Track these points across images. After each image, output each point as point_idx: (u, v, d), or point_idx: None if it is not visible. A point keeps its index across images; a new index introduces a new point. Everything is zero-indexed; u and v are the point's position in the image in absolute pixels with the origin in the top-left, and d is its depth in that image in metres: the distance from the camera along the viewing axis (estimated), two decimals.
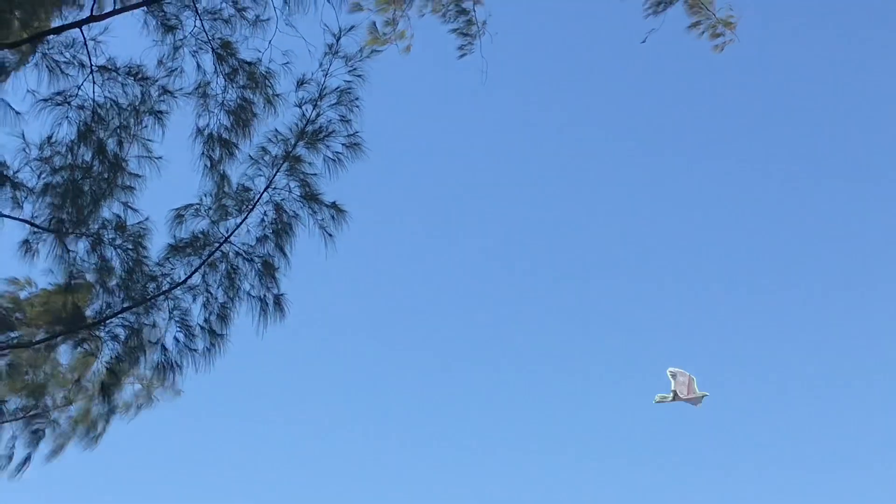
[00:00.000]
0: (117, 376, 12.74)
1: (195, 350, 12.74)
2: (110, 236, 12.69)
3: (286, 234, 12.83)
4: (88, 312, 12.68)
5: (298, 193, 12.86)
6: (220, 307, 12.78)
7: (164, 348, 12.71)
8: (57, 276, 12.65)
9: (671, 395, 24.31)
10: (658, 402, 24.39)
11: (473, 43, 13.31)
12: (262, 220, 12.83)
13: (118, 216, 12.58)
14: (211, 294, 12.77)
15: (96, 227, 12.66)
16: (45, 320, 12.80)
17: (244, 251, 12.81)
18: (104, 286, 12.63)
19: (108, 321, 12.59)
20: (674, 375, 24.28)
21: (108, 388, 12.81)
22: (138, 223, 12.74)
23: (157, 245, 12.68)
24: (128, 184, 12.47)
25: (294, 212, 12.85)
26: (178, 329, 12.74)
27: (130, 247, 12.71)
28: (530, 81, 44.29)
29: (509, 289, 45.38)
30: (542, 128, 45.81)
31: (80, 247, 12.62)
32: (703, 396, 24.45)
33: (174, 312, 12.73)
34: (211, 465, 39.15)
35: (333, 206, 12.88)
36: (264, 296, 12.83)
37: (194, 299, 12.76)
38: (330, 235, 12.85)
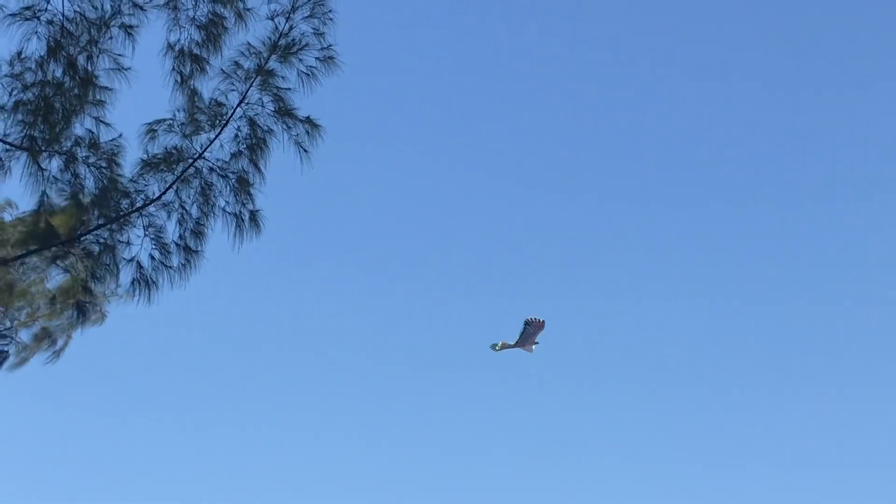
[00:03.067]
0: (92, 293, 12.68)
1: (170, 267, 12.68)
2: (84, 154, 12.56)
3: (261, 149, 12.70)
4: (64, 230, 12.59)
5: (272, 108, 12.70)
6: (194, 223, 12.70)
7: (139, 265, 12.65)
8: (31, 195, 12.55)
9: (505, 343, 24.92)
10: (499, 349, 24.91)
11: None
12: (236, 135, 12.69)
13: (91, 132, 12.43)
14: (185, 210, 12.68)
15: (69, 144, 12.52)
16: (21, 238, 12.72)
17: (218, 167, 12.69)
18: (79, 204, 12.53)
19: (82, 238, 12.52)
20: (534, 323, 24.77)
21: (83, 306, 12.76)
22: (111, 140, 12.60)
23: (130, 159, 12.58)
24: (99, 98, 12.29)
25: (268, 127, 12.70)
26: (153, 246, 12.67)
27: (104, 164, 12.59)
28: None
29: (492, 203, 45.65)
30: (518, 47, 45.78)
31: (54, 165, 12.50)
32: (534, 344, 24.86)
33: (149, 229, 12.66)
34: (182, 381, 39.53)
35: (308, 120, 12.72)
36: (239, 212, 12.75)
37: (169, 216, 12.68)
38: (305, 151, 12.72)
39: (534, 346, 24.82)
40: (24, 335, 12.86)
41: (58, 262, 12.61)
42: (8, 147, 12.34)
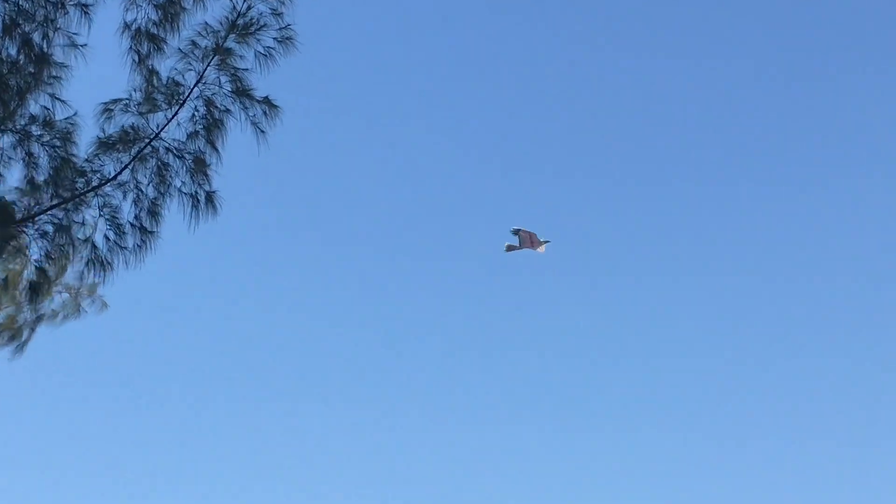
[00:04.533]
0: (46, 275, 12.51)
1: (125, 247, 12.55)
2: (38, 132, 12.42)
3: (218, 129, 12.60)
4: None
5: (230, 88, 12.61)
6: (150, 204, 12.58)
7: (93, 246, 12.50)
8: None
9: (517, 244, 26.70)
10: (507, 251, 26.65)
11: None
12: (193, 115, 12.59)
13: (46, 109, 12.29)
14: (141, 191, 12.56)
15: (23, 122, 12.37)
16: None
17: (175, 147, 12.58)
18: (31, 183, 12.38)
19: (36, 218, 12.36)
20: (517, 232, 26.55)
21: (37, 288, 12.59)
22: (66, 119, 12.47)
23: (85, 139, 12.44)
24: (55, 74, 12.16)
25: (225, 107, 12.61)
26: (108, 226, 12.53)
27: (59, 143, 12.45)
28: None
29: (455, 181, 45.88)
30: (476, 32, 46.11)
31: (6, 142, 12.34)
32: (545, 243, 26.61)
33: (104, 209, 12.52)
34: (143, 362, 39.25)
35: (266, 101, 12.65)
36: (196, 192, 12.64)
37: (124, 196, 12.55)
38: (262, 132, 12.64)
39: (543, 247, 26.26)
40: None
41: (11, 242, 12.43)
42: None
